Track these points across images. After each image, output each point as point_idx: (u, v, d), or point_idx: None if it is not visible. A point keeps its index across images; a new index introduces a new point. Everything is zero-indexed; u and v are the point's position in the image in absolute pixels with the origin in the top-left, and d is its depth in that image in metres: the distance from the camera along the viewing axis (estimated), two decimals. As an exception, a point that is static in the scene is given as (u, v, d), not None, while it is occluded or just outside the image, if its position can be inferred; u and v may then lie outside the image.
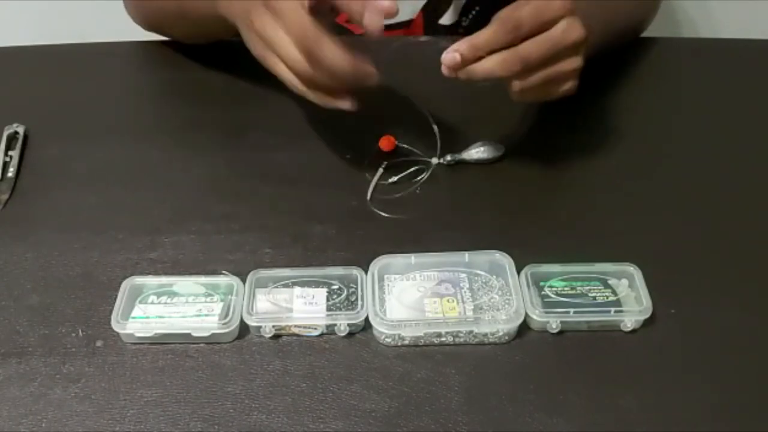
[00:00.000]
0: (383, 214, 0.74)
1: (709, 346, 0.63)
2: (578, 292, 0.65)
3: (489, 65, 0.66)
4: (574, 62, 0.68)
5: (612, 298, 0.64)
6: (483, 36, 0.65)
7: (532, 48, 0.65)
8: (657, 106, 0.89)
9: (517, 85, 0.67)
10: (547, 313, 0.63)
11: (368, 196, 0.75)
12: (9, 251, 0.71)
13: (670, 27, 1.00)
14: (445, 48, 0.67)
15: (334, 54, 0.63)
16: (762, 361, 0.62)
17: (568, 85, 0.70)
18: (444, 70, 0.66)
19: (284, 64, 0.67)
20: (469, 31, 1.03)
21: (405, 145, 0.79)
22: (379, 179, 0.77)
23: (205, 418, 0.58)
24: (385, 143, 0.80)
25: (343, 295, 0.66)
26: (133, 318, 0.64)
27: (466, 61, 0.65)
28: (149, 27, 0.96)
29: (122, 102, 0.91)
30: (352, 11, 0.64)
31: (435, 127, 0.76)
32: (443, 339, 0.63)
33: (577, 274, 0.66)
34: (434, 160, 0.78)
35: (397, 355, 0.62)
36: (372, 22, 0.63)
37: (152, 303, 0.65)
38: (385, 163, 0.78)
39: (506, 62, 0.65)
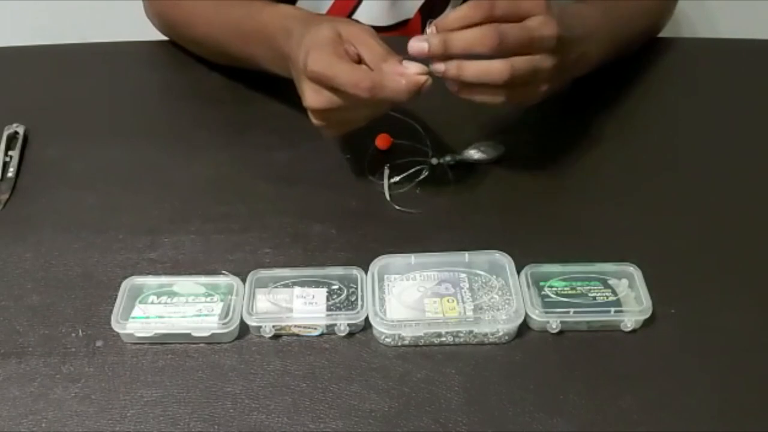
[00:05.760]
0: (404, 209, 0.74)
1: (709, 346, 0.63)
2: (578, 292, 0.65)
3: (465, 36, 0.65)
4: (548, 60, 0.67)
5: (612, 298, 0.64)
6: (455, 12, 0.66)
7: (508, 29, 0.65)
8: (657, 106, 0.89)
9: (507, 68, 0.65)
10: (547, 313, 0.63)
11: (387, 197, 0.75)
12: (9, 251, 0.71)
13: (670, 27, 1.00)
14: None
15: (393, 79, 0.64)
16: (762, 361, 0.62)
17: (543, 88, 0.69)
18: (413, 51, 0.66)
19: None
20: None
21: (404, 142, 0.79)
22: (378, 179, 0.77)
23: (205, 418, 0.58)
24: (382, 141, 0.80)
25: (343, 295, 0.66)
26: (133, 318, 0.64)
27: (432, 36, 0.65)
28: (173, 37, 0.96)
29: (122, 102, 0.91)
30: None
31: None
32: (443, 339, 0.63)
33: (577, 274, 0.66)
34: (434, 160, 0.78)
35: (397, 355, 0.62)
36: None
37: (152, 303, 0.65)
38: (388, 164, 0.78)
39: (485, 37, 0.64)
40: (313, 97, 0.67)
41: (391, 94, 0.64)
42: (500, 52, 0.65)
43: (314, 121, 0.70)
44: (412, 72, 0.65)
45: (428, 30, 0.66)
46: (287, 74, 0.73)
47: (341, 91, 0.65)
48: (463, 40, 0.65)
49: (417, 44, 0.65)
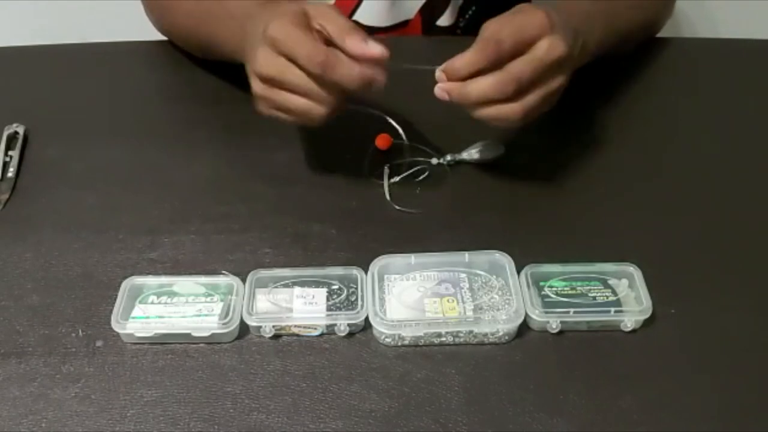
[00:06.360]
0: (405, 209, 0.74)
1: (709, 346, 0.63)
2: (578, 292, 0.65)
3: (482, 87, 0.65)
4: (560, 80, 0.68)
5: (612, 298, 0.64)
6: (464, 57, 0.66)
7: (521, 67, 0.65)
8: (657, 106, 0.89)
9: (519, 110, 0.66)
10: (547, 313, 0.63)
11: (387, 196, 0.75)
12: (9, 251, 0.71)
13: (670, 27, 1.00)
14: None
15: (348, 64, 0.64)
16: (762, 361, 0.62)
17: (554, 102, 0.70)
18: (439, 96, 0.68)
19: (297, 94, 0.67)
20: (466, 32, 1.03)
21: (404, 142, 0.79)
22: (378, 179, 0.77)
23: (205, 418, 0.58)
24: (382, 141, 0.80)
25: (343, 295, 0.66)
26: (133, 318, 0.64)
27: (452, 89, 0.66)
28: (164, 32, 0.97)
29: (122, 102, 0.91)
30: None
31: (402, 133, 0.78)
32: (443, 339, 0.63)
33: (577, 274, 0.66)
34: (434, 160, 0.78)
35: (397, 355, 0.62)
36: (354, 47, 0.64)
37: (152, 303, 0.65)
38: (387, 164, 0.78)
39: (500, 83, 0.65)
40: (264, 61, 0.66)
41: (341, 78, 0.63)
42: (519, 93, 0.66)
43: (255, 88, 0.68)
44: (371, 53, 0.64)
45: (437, 74, 0.67)
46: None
47: (294, 64, 0.64)
48: (480, 90, 0.65)
49: (439, 93, 0.67)
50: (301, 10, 0.66)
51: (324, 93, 0.65)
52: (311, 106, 0.67)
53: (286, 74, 0.65)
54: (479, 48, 0.65)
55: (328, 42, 0.65)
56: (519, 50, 0.65)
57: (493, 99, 0.66)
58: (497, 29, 0.65)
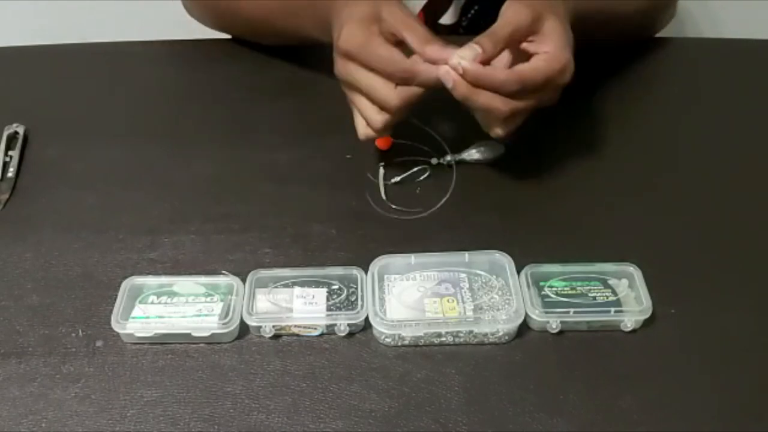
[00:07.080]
0: (404, 209, 0.74)
1: (709, 346, 0.63)
2: (578, 292, 0.65)
3: (489, 103, 0.67)
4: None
5: (612, 298, 0.64)
6: (490, 75, 0.66)
7: (526, 104, 0.68)
8: (658, 106, 0.89)
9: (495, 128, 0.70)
10: (547, 313, 0.63)
11: (383, 196, 0.75)
12: (9, 251, 0.71)
13: (672, 27, 1.00)
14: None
15: (426, 70, 0.67)
16: (762, 361, 0.62)
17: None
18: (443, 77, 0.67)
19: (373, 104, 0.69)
20: (468, 30, 1.03)
21: (404, 142, 0.79)
22: (377, 179, 0.77)
23: (205, 418, 0.58)
24: (382, 141, 0.80)
25: (343, 295, 0.66)
26: (133, 318, 0.64)
27: (460, 87, 0.67)
28: (219, 27, 0.98)
29: (122, 102, 0.91)
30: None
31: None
32: (443, 339, 0.63)
33: (577, 274, 0.66)
34: (434, 160, 0.78)
35: (397, 355, 0.62)
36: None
37: (152, 303, 0.65)
38: (383, 163, 0.78)
39: (499, 110, 0.67)
40: (339, 69, 0.70)
41: (421, 84, 0.67)
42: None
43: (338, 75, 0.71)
44: (449, 62, 0.66)
45: (454, 61, 0.66)
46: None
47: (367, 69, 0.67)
48: (483, 103, 0.67)
49: (446, 76, 0.66)
50: (374, 13, 0.68)
51: (391, 100, 0.68)
52: (376, 109, 0.70)
53: (359, 81, 0.68)
54: (509, 80, 0.66)
55: (399, 41, 0.68)
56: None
57: (487, 113, 0.68)
58: (533, 74, 0.67)
